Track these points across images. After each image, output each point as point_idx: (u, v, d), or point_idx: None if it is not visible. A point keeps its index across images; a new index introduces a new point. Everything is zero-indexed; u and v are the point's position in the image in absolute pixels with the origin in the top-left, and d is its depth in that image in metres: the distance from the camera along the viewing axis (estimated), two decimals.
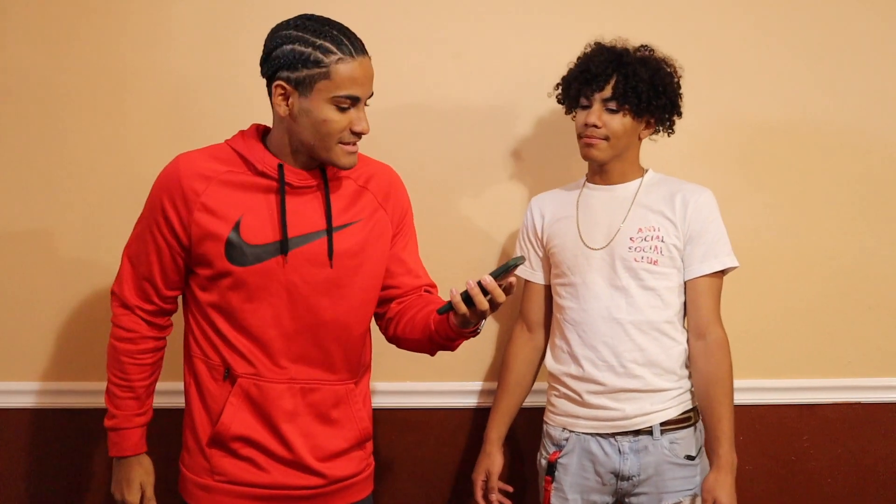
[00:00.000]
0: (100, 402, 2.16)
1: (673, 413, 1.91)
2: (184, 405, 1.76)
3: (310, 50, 1.54)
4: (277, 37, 1.58)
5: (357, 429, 1.74)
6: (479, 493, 2.05)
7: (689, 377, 1.96)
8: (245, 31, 2.22)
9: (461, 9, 2.26)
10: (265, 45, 1.60)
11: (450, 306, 1.53)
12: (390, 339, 1.81)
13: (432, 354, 1.74)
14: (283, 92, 1.57)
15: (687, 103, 1.94)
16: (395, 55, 2.20)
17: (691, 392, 1.96)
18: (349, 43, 1.55)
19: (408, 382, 2.27)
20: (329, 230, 1.65)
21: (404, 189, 1.81)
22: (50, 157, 2.22)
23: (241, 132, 1.70)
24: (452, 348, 1.67)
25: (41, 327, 2.24)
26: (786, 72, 2.30)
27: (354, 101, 1.57)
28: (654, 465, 1.88)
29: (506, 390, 2.09)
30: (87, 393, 2.22)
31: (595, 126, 1.89)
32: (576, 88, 1.93)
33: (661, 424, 1.89)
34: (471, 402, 2.30)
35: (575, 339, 1.94)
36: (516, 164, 2.28)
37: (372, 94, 1.62)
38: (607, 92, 1.88)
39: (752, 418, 2.31)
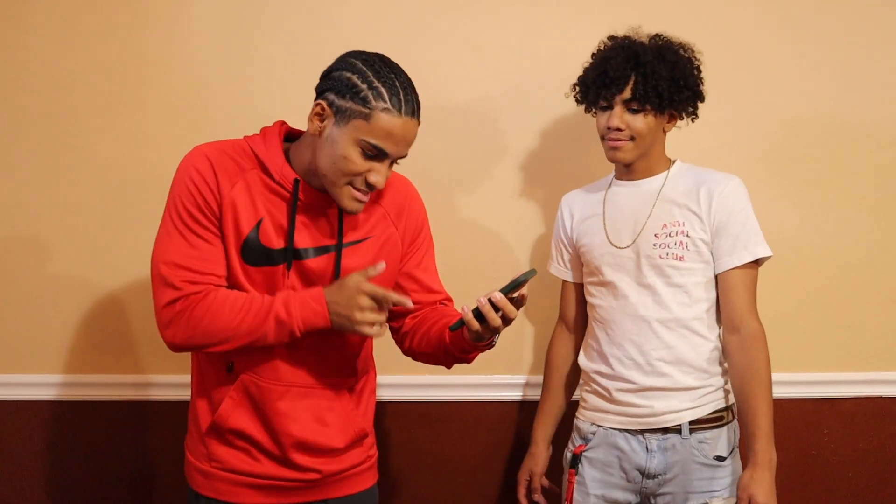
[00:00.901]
0: (120, 394, 2.26)
1: (703, 412, 1.87)
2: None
3: (364, 87, 1.51)
4: (344, 61, 1.56)
5: (352, 430, 1.73)
6: (522, 493, 2.04)
7: (723, 375, 1.92)
8: (263, 29, 2.24)
9: (480, 2, 2.25)
10: (333, 63, 1.59)
11: (462, 322, 1.53)
12: (406, 352, 1.79)
13: (448, 367, 1.74)
14: (321, 112, 1.55)
15: (709, 97, 1.91)
16: (413, 50, 2.20)
17: (725, 391, 1.92)
18: (403, 99, 1.53)
19: (421, 375, 2.26)
20: (339, 247, 1.64)
21: (420, 203, 1.78)
22: (68, 152, 2.24)
23: (264, 131, 1.66)
24: (468, 361, 1.68)
25: (57, 320, 2.27)
26: (807, 66, 2.28)
27: (381, 154, 1.54)
28: (680, 464, 1.85)
29: (549, 390, 2.08)
30: (111, 385, 2.27)
31: (618, 129, 1.84)
32: (595, 91, 1.88)
33: (691, 423, 1.85)
34: (487, 395, 2.30)
35: (604, 337, 1.92)
36: (533, 160, 2.28)
37: (405, 156, 1.59)
38: (627, 93, 1.83)
39: None
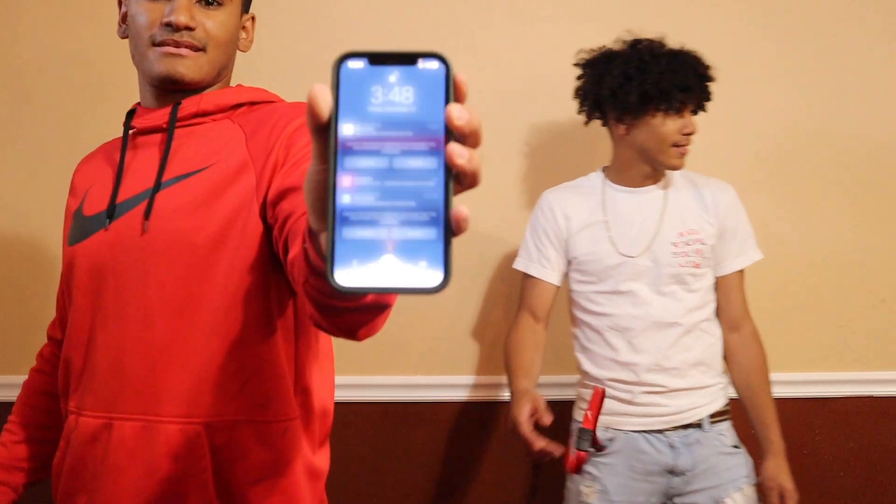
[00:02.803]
0: None
1: (718, 405, 1.91)
2: None
3: None
4: None
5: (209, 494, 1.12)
6: (529, 429, 1.69)
7: (725, 372, 1.96)
8: (262, 31, 2.22)
9: (475, 2, 2.26)
10: None
11: None
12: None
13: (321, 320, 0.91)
14: (122, 15, 1.33)
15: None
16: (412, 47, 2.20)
17: (727, 386, 1.96)
18: None
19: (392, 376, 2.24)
20: (156, 187, 1.20)
21: (294, 112, 1.22)
22: (66, 151, 2.24)
23: None
24: (340, 315, 0.88)
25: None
26: (801, 68, 2.30)
27: None
28: (708, 457, 1.86)
29: (518, 374, 1.85)
30: None
31: (692, 133, 1.85)
32: (674, 96, 1.81)
33: (709, 416, 1.89)
34: (462, 395, 2.28)
35: (623, 345, 1.87)
36: (528, 158, 2.28)
37: None
38: (695, 98, 1.86)
39: None
